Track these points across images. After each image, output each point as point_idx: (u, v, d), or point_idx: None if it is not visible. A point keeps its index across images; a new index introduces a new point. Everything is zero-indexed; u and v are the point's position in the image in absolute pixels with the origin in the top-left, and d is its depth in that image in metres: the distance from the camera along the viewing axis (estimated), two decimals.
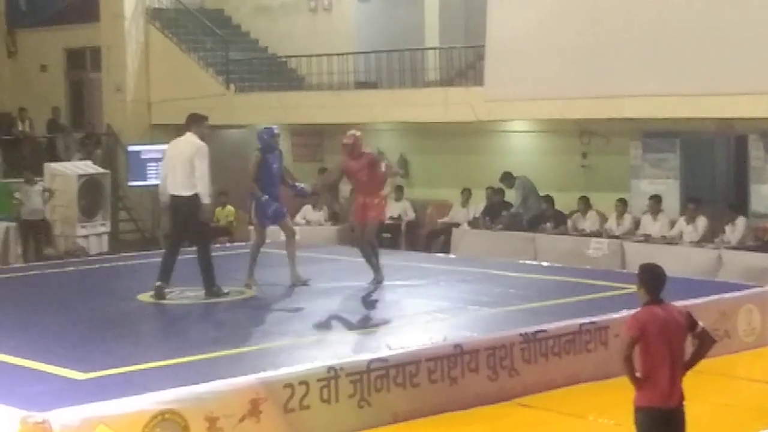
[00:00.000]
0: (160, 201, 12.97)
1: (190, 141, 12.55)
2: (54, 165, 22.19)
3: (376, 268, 13.60)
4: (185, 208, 12.35)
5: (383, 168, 13.86)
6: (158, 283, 12.50)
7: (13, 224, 20.22)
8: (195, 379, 8.39)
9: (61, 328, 11.17)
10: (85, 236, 21.26)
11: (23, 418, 7.47)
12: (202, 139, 12.62)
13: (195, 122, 12.84)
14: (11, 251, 20.26)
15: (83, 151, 24.33)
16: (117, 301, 12.88)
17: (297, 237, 14.22)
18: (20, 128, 24.98)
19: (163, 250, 13.10)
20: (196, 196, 12.26)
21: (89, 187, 21.58)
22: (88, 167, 22.28)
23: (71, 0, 26.74)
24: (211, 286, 12.56)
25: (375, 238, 13.83)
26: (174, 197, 12.42)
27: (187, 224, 12.49)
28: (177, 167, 12.39)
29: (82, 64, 27.25)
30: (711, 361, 10.94)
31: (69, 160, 23.20)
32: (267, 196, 13.46)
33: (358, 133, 13.74)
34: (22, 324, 11.35)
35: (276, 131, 13.97)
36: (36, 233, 20.24)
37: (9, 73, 28.37)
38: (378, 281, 13.51)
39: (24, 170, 21.29)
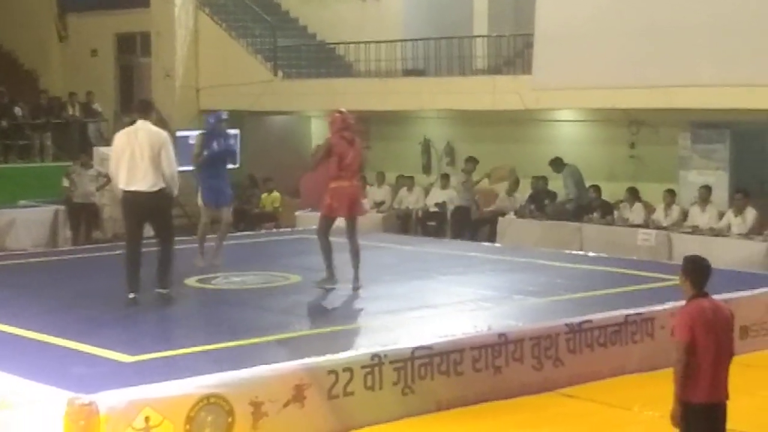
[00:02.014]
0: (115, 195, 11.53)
1: (151, 130, 11.28)
2: (103, 149, 22.30)
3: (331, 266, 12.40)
4: (151, 203, 11.20)
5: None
6: (132, 296, 11.28)
7: (62, 207, 20.38)
8: (240, 364, 8.42)
9: (109, 311, 11.23)
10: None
11: (70, 399, 7.53)
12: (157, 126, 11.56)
13: (149, 109, 11.70)
14: (60, 234, 20.44)
15: None
16: None
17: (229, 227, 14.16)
18: (70, 112, 25.17)
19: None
20: (164, 191, 11.20)
21: None
22: None
23: None
24: (166, 286, 11.51)
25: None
26: (134, 193, 11.12)
27: (153, 220, 11.43)
28: (137, 160, 11.09)
29: (132, 49, 27.40)
30: (759, 354, 10.96)
31: (101, 145, 23.34)
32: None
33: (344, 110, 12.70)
34: (70, 307, 11.44)
35: (224, 116, 14.03)
36: (85, 217, 20.38)
37: (60, 58, 28.58)
38: (333, 283, 12.35)
39: (80, 153, 21.41)
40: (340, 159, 12.07)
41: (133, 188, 11.14)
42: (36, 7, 28.63)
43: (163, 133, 11.37)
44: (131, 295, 11.25)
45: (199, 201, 14.19)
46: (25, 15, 28.74)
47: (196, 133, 22.45)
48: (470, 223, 19.83)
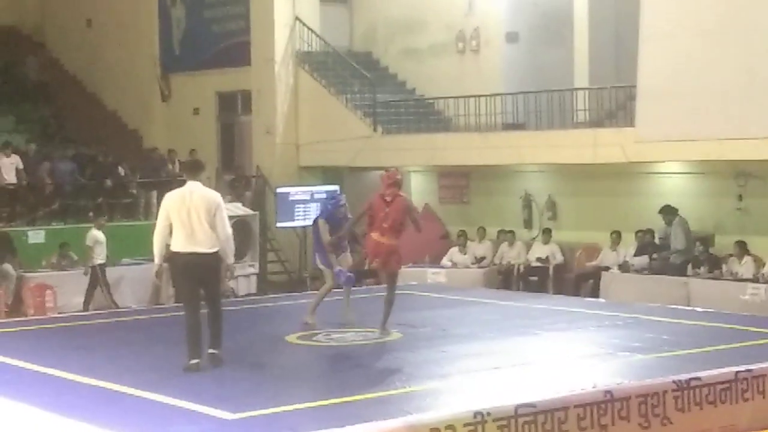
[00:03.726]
0: (155, 260, 11.39)
1: (205, 193, 11.30)
2: None
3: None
4: (209, 265, 11.14)
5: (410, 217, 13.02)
6: (194, 362, 11.05)
7: (165, 264, 20.53)
8: (341, 422, 8.34)
9: (209, 367, 11.25)
10: (235, 277, 21.51)
11: None
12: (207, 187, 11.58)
13: (199, 170, 11.69)
14: (163, 291, 20.65)
15: (233, 192, 24.72)
16: (265, 342, 13.01)
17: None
18: (170, 169, 25.52)
19: (206, 313, 11.35)
20: (217, 254, 11.13)
21: (239, 228, 21.81)
22: (238, 209, 22.62)
23: (223, 45, 27.29)
24: (217, 346, 11.31)
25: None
26: (193, 254, 11.05)
27: (208, 282, 11.26)
28: (194, 222, 11.04)
29: (233, 107, 27.75)
30: None
31: None
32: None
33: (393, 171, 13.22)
34: (173, 364, 11.47)
35: (342, 202, 14.56)
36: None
37: (163, 117, 29.07)
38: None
39: None
40: (371, 217, 12.80)
41: (190, 250, 11.06)
42: (139, 68, 29.23)
43: (218, 198, 11.33)
44: (194, 362, 11.06)
45: (319, 264, 14.27)
46: (129, 76, 29.36)
47: (297, 189, 22.93)
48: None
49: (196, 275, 11.21)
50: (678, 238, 19.03)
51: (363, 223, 13.15)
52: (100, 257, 20.08)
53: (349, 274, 13.73)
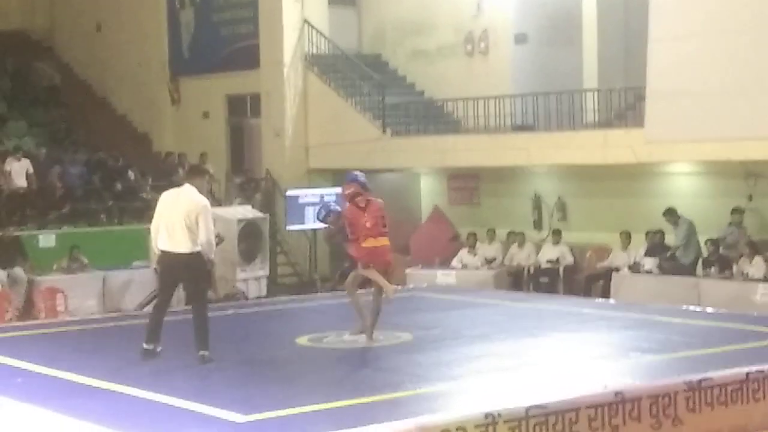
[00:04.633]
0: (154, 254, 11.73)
1: (191, 197, 11.58)
2: (215, 209, 22.57)
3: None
4: (188, 265, 11.47)
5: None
6: (147, 347, 11.63)
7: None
8: (352, 423, 8.35)
9: (221, 370, 11.28)
10: (244, 280, 21.51)
11: None
12: (202, 193, 11.82)
13: (197, 174, 12.09)
14: (174, 295, 20.64)
15: (243, 195, 24.75)
16: (275, 344, 13.02)
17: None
18: (181, 174, 25.54)
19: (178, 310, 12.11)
20: (198, 255, 11.44)
21: (248, 231, 21.85)
22: (248, 211, 22.61)
23: (232, 48, 27.33)
24: (205, 348, 11.53)
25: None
26: (169, 254, 11.49)
27: (188, 282, 11.77)
28: (175, 223, 11.42)
29: (243, 110, 27.78)
30: None
31: (212, 206, 23.59)
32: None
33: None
34: (183, 366, 11.50)
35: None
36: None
37: (172, 120, 29.12)
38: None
39: None
40: (352, 227, 12.61)
41: (170, 249, 11.46)
42: (148, 71, 29.28)
43: (202, 202, 11.56)
44: (148, 346, 11.53)
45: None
46: (139, 80, 29.42)
47: (306, 191, 22.93)
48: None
49: (174, 275, 11.64)
50: (680, 237, 19.05)
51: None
52: None
53: None
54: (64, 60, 31.70)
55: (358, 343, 12.64)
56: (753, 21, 17.73)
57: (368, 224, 12.64)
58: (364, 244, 12.57)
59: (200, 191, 11.76)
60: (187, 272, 11.57)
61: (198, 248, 11.41)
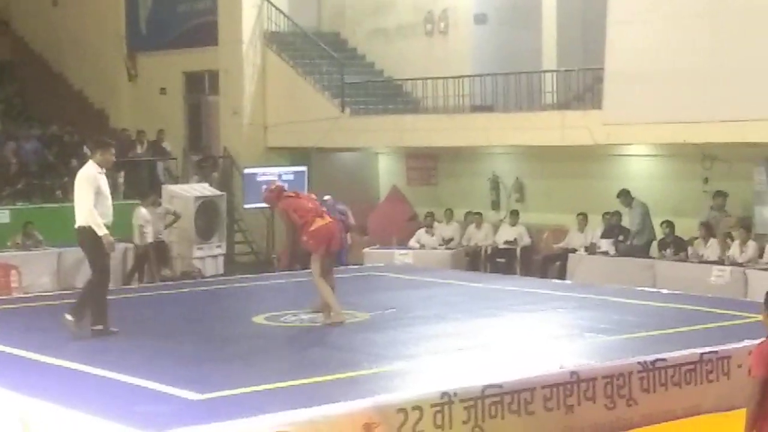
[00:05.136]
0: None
1: (79, 172, 11.92)
2: (172, 187, 22.50)
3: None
4: (80, 239, 11.76)
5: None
6: (98, 327, 11.72)
7: (131, 245, 20.48)
8: (308, 403, 8.33)
9: (177, 348, 11.24)
10: (201, 258, 21.46)
11: None
12: (104, 166, 11.86)
13: (97, 148, 12.07)
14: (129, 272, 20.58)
15: (200, 173, 24.63)
16: (232, 323, 12.97)
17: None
18: (138, 151, 25.40)
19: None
20: (86, 228, 11.58)
21: (206, 209, 21.82)
22: (205, 189, 22.55)
23: (190, 25, 27.13)
24: (70, 313, 11.71)
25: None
26: (75, 229, 11.82)
27: (85, 255, 11.99)
28: (75, 197, 11.84)
29: (201, 87, 27.63)
30: None
31: (169, 184, 23.53)
32: None
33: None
34: (138, 344, 11.45)
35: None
36: (156, 255, 20.43)
37: (129, 97, 28.92)
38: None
39: (149, 192, 21.58)
40: (296, 210, 12.47)
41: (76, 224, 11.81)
42: (105, 47, 29.04)
43: (81, 173, 11.79)
44: (98, 327, 11.74)
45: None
46: (95, 55, 29.17)
47: (264, 170, 22.84)
48: None
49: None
50: (635, 221, 19.16)
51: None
52: (149, 235, 20.10)
53: None
54: (19, 34, 31.37)
55: (314, 321, 12.61)
56: (711, 5, 17.81)
57: (310, 204, 12.66)
58: (313, 227, 12.44)
59: (103, 165, 11.85)
60: (81, 246, 11.88)
61: (86, 223, 11.57)
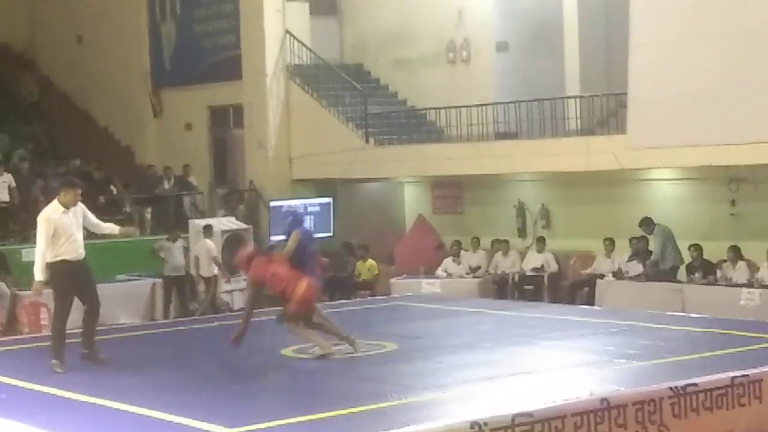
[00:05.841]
0: None
1: (43, 210, 12.32)
2: (198, 221, 22.56)
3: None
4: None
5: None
6: (85, 351, 12.38)
7: (159, 281, 20.55)
8: None
9: (206, 382, 11.25)
10: (229, 291, 21.48)
11: None
12: (68, 206, 12.14)
13: (61, 187, 12.50)
14: (157, 307, 20.63)
15: (226, 207, 24.70)
16: (260, 356, 12.96)
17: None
18: (166, 186, 25.50)
19: None
20: (52, 265, 12.02)
21: (233, 242, 21.82)
22: (231, 223, 22.60)
23: (214, 60, 27.28)
24: (94, 350, 12.43)
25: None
26: None
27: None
28: None
29: (226, 121, 27.72)
30: None
31: (196, 218, 23.59)
32: None
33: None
34: (168, 379, 11.48)
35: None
36: (179, 289, 20.49)
37: (155, 132, 29.02)
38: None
39: (174, 227, 21.66)
40: (276, 281, 12.64)
41: None
42: (130, 83, 29.19)
43: (40, 214, 12.19)
44: (85, 351, 12.37)
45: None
46: (120, 92, 29.32)
47: (290, 202, 22.87)
48: None
49: None
50: (656, 249, 19.09)
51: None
52: (175, 270, 20.29)
53: None
54: (45, 73, 31.61)
55: (342, 353, 12.61)
56: (733, 26, 17.76)
57: (283, 271, 12.61)
58: (299, 294, 12.47)
59: (68, 206, 12.11)
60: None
61: (50, 259, 11.94)
